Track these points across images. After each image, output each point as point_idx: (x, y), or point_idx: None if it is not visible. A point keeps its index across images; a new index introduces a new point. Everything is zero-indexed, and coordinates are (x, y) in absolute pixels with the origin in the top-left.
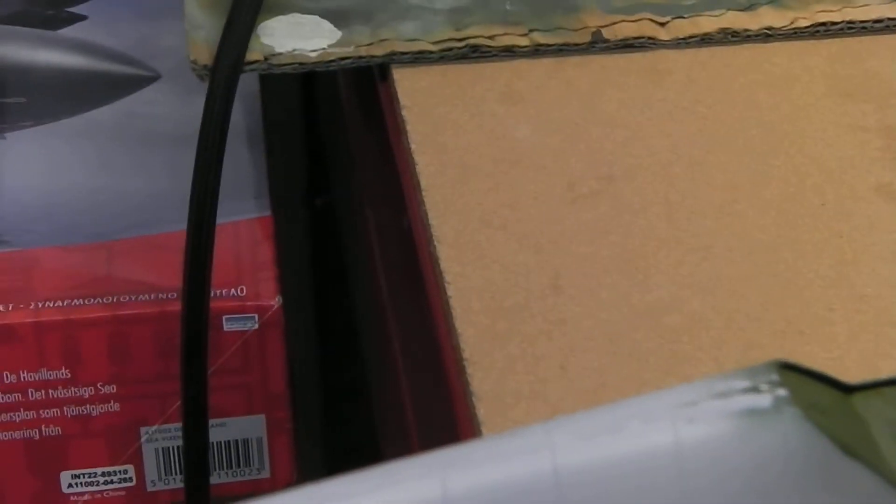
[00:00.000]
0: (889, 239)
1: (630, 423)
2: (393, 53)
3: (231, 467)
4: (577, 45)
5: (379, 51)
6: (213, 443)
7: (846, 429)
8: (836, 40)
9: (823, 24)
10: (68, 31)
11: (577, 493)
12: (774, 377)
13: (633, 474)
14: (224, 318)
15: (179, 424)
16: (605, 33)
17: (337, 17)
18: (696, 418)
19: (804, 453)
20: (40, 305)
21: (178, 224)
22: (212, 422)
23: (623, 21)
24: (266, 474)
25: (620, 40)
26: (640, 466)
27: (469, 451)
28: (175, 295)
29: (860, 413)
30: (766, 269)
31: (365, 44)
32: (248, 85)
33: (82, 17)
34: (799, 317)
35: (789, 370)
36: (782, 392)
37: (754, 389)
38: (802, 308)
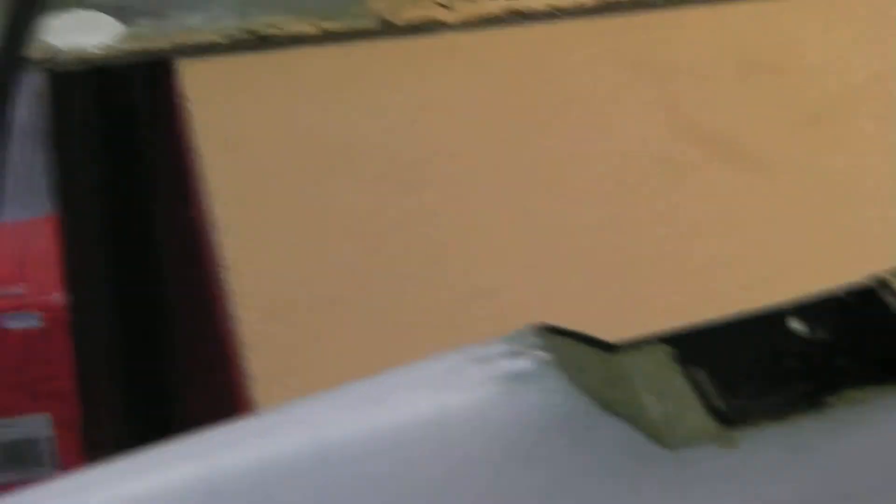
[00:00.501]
0: (678, 210)
1: (393, 393)
2: (179, 46)
3: (17, 467)
4: (365, 30)
5: (165, 44)
6: None
7: (611, 388)
8: (623, 17)
9: (609, 2)
10: None
11: (341, 466)
12: (535, 340)
13: (397, 445)
14: (5, 316)
15: None
16: (392, 18)
17: (119, 12)
18: (458, 385)
19: (568, 415)
20: None
21: None
22: None
23: (408, 5)
24: (54, 473)
25: (407, 25)
26: (404, 437)
27: (233, 431)
28: None
29: (624, 372)
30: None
31: (149, 37)
32: (33, 85)
33: None
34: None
35: (551, 333)
36: (542, 355)
37: (516, 353)
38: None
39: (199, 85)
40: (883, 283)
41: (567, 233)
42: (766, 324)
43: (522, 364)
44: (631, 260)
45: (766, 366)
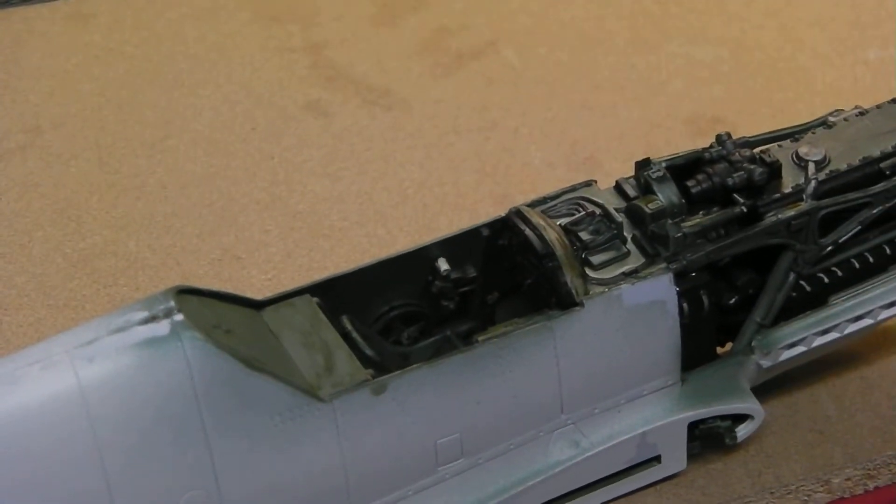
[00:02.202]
0: (319, 154)
1: (28, 371)
2: None
3: None
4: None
5: None
6: None
7: (256, 344)
8: None
9: None
10: None
11: None
12: (171, 304)
13: (41, 425)
14: None
15: None
16: None
17: None
18: (95, 356)
19: (209, 375)
20: None
21: None
22: None
23: None
24: None
25: None
26: (45, 417)
27: None
28: None
29: (271, 327)
30: (200, 200)
31: None
32: None
33: None
34: (235, 243)
35: (189, 294)
36: (178, 318)
37: (152, 319)
38: (238, 234)
39: None
40: (517, 213)
41: (210, 186)
42: (416, 266)
43: (159, 329)
44: (278, 210)
45: (421, 310)
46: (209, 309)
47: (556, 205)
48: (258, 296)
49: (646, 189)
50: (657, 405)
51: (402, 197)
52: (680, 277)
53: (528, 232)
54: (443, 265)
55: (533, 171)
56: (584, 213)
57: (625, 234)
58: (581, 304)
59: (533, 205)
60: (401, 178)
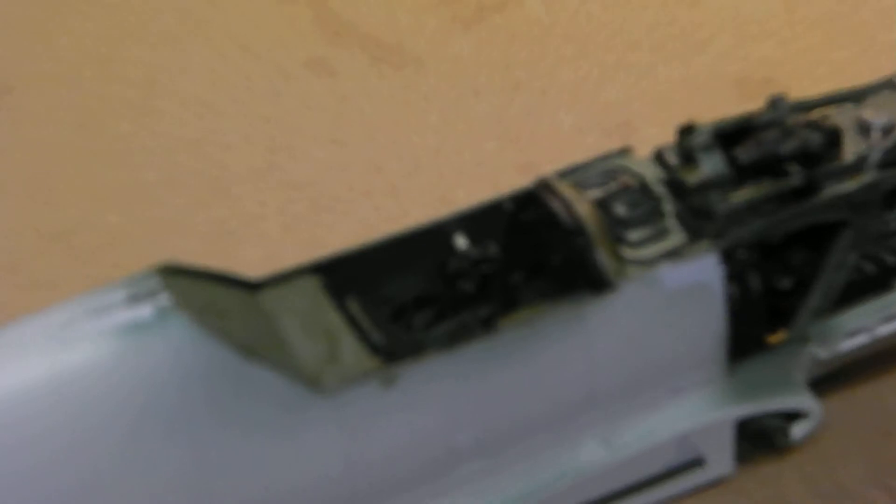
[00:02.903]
0: (322, 118)
1: (2, 354)
2: None
3: None
4: None
5: None
6: None
7: (252, 330)
8: None
9: None
10: None
11: None
12: (156, 284)
13: (9, 421)
14: None
15: None
16: None
17: None
18: (72, 341)
19: (200, 364)
20: None
21: None
22: None
23: None
24: None
25: None
26: (14, 411)
27: None
28: None
29: (266, 309)
30: (189, 168)
31: None
32: None
33: None
34: (228, 217)
35: (176, 274)
36: (165, 300)
37: (135, 300)
38: (232, 206)
39: None
40: (544, 184)
41: (201, 152)
42: (430, 244)
43: (142, 312)
44: (276, 180)
45: (436, 292)
46: (199, 290)
47: (587, 175)
48: (253, 276)
49: (688, 158)
50: (700, 401)
51: (415, 166)
52: (726, 257)
53: (555, 205)
54: (460, 242)
55: (561, 138)
56: (618, 184)
57: (665, 208)
58: (615, 287)
59: (562, 175)
60: (413, 144)
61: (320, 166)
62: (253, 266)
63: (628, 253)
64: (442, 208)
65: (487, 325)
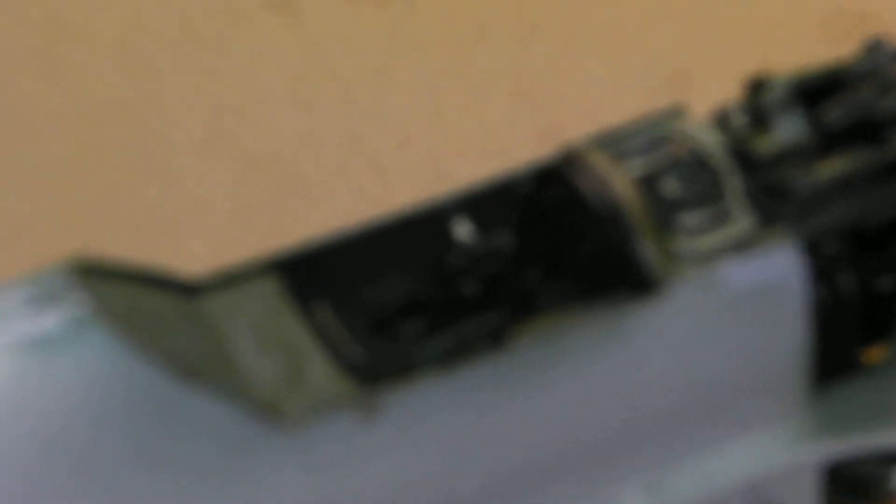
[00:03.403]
0: (284, 70)
1: None
2: None
3: None
4: None
5: None
6: None
7: (187, 343)
8: None
9: None
10: None
11: None
12: (65, 285)
13: None
14: None
15: None
16: None
17: None
18: None
19: (122, 390)
20: None
21: None
22: None
23: None
24: None
25: None
26: None
27: None
28: None
29: (210, 319)
30: (111, 137)
31: None
32: None
33: None
34: (162, 200)
35: (94, 273)
36: (77, 306)
37: (36, 306)
38: (167, 186)
39: None
40: (570, 156)
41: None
42: (423, 234)
43: (46, 322)
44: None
45: (431, 295)
46: (121, 293)
47: (627, 144)
48: (195, 275)
49: (760, 120)
50: (775, 438)
51: (405, 134)
52: (810, 249)
53: (585, 183)
54: (462, 232)
55: (593, 95)
56: (668, 155)
57: (728, 185)
58: (663, 289)
59: (594, 145)
60: (402, 105)
61: (282, 136)
62: (194, 262)
63: (680, 244)
64: (438, 188)
65: (496, 339)
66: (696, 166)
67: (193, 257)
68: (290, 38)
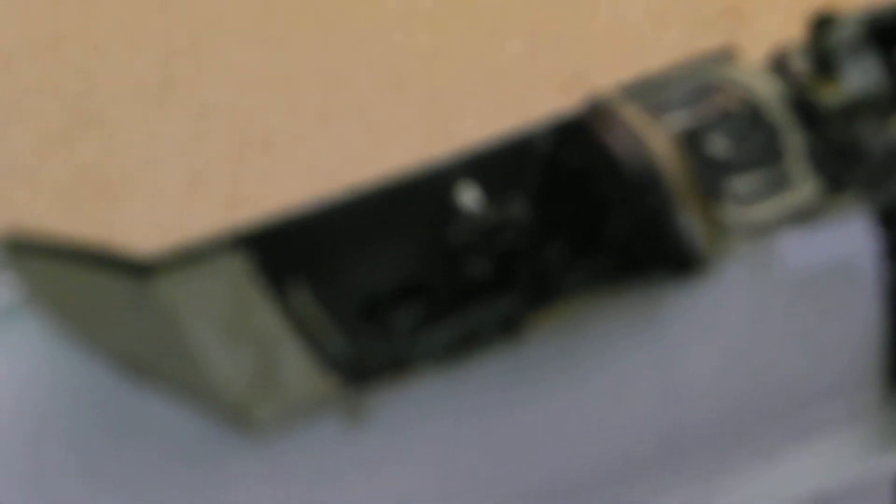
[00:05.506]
0: (246, 2)
1: None
2: None
3: None
4: None
5: None
6: None
7: (138, 334)
8: None
9: None
10: None
11: None
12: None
13: None
14: None
15: None
16: None
17: None
18: None
19: (62, 391)
20: None
21: None
22: None
23: None
24: None
25: None
26: None
27: None
28: None
29: (164, 305)
30: (40, 83)
31: None
32: None
33: None
34: (103, 159)
35: (21, 249)
36: (7, 293)
37: None
38: (109, 143)
39: None
40: (600, 111)
41: None
42: (421, 202)
43: None
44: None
45: (430, 277)
46: (60, 275)
47: (666, 94)
48: (144, 252)
49: (826, 66)
50: (844, 447)
51: (396, 80)
52: (885, 220)
53: (616, 142)
54: (468, 199)
55: (626, 34)
56: (715, 107)
57: (788, 144)
58: (709, 268)
59: (626, 94)
60: (394, 45)
61: (246, 81)
62: (144, 236)
63: (730, 214)
64: (438, 145)
65: (509, 329)
66: (750, 121)
67: (143, 230)
68: None
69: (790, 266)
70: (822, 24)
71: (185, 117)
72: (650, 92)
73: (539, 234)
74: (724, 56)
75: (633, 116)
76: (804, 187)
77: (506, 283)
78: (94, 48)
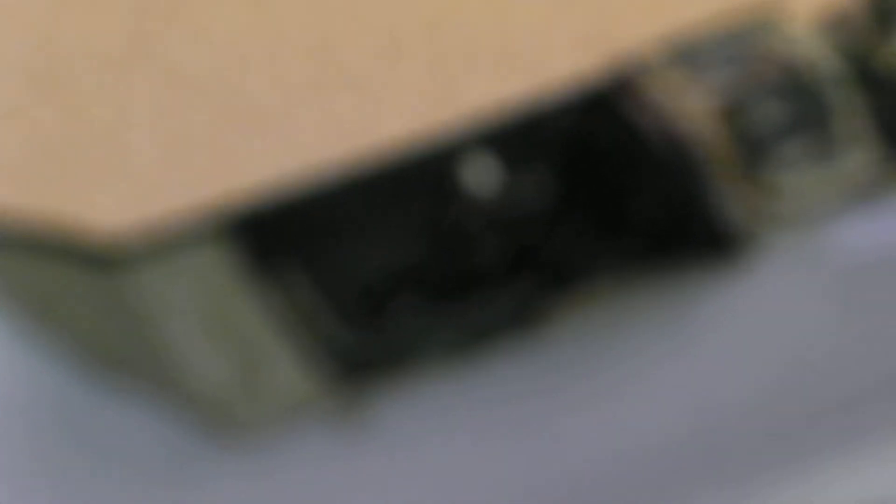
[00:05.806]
0: None
1: None
2: None
3: None
4: None
5: None
6: None
7: (105, 332)
8: None
9: None
10: None
11: None
12: None
13: None
14: None
15: None
16: None
17: None
18: None
19: (23, 396)
20: None
21: None
22: None
23: None
24: None
25: None
26: None
27: None
28: None
29: (140, 301)
30: None
31: None
32: None
33: None
34: (66, 131)
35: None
36: None
37: None
38: (72, 114)
39: None
40: (626, 78)
41: None
42: (423, 179)
43: None
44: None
45: (433, 262)
46: (16, 266)
47: (702, 56)
48: (110, 238)
49: (886, 23)
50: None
51: (395, 43)
52: None
53: (644, 112)
54: (477, 178)
55: None
56: (758, 72)
57: (843, 114)
58: (752, 254)
59: (656, 56)
60: (393, 3)
61: (226, 46)
62: (111, 221)
63: (776, 194)
64: (443, 115)
65: (524, 321)
66: (798, 88)
67: (110, 214)
68: None
69: (843, 252)
70: None
71: (159, 89)
72: (683, 54)
73: (556, 215)
74: (769, 13)
75: (666, 83)
76: (859, 162)
77: (519, 271)
78: (58, 11)
